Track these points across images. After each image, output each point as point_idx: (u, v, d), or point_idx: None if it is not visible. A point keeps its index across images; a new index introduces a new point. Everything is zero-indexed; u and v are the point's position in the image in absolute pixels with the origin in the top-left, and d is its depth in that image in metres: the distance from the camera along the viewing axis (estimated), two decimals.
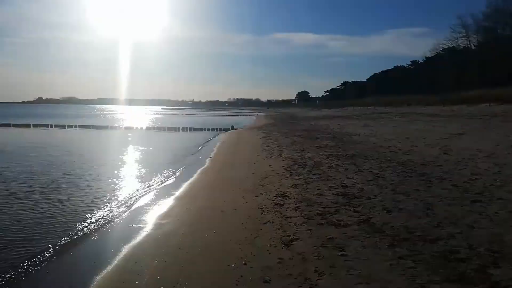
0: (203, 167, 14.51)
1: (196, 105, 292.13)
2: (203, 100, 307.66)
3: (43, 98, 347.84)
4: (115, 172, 13.87)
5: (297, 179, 10.16)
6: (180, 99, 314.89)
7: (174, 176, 13.03)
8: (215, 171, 13.35)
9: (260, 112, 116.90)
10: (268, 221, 6.78)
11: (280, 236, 5.94)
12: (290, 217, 6.87)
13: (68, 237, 6.95)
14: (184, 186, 11.08)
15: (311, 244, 5.49)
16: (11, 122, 43.59)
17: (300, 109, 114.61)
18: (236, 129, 37.69)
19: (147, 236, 6.81)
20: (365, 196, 8.11)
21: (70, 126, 41.31)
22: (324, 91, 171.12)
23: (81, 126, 41.53)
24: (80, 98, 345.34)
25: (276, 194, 8.62)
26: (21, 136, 29.75)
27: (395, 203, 7.53)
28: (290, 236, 5.88)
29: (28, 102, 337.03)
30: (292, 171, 11.36)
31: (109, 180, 12.24)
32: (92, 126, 42.19)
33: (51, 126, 41.35)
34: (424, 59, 77.65)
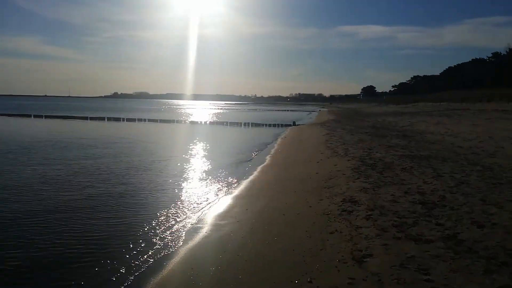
0: (264, 164, 14.09)
1: (258, 100, 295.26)
2: (265, 95, 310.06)
3: (118, 93, 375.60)
4: (175, 166, 14.00)
5: (366, 182, 9.27)
6: (243, 94, 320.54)
7: (234, 172, 12.76)
8: (276, 169, 12.84)
9: (323, 107, 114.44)
10: (336, 230, 6.09)
11: (350, 249, 5.23)
12: (361, 227, 6.11)
13: (120, 235, 6.86)
14: (244, 184, 10.72)
15: (387, 263, 4.73)
16: (88, 115, 47.19)
17: (365, 105, 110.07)
18: (297, 125, 36.92)
19: (206, 238, 6.49)
20: (448, 206, 7.05)
21: (140, 120, 43.48)
22: (392, 86, 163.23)
23: (150, 120, 43.53)
24: (151, 93, 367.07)
25: (344, 199, 7.86)
26: (96, 129, 31.83)
27: (487, 216, 6.42)
28: (362, 251, 5.15)
29: (106, 96, 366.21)
30: (360, 172, 10.46)
31: (169, 175, 12.31)
32: (160, 120, 44.04)
33: (123, 119, 43.89)
34: (508, 50, 70.07)
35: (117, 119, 44.22)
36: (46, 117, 46.08)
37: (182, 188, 10.42)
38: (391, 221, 6.37)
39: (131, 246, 6.26)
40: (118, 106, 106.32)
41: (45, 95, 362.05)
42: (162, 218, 7.75)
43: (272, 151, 18.05)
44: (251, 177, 11.60)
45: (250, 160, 15.70)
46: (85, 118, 44.97)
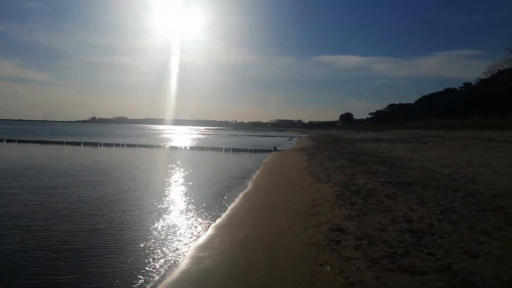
0: (246, 191, 13.72)
1: (239, 125, 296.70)
2: (245, 121, 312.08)
3: (97, 118, 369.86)
4: (152, 195, 13.39)
5: (351, 209, 9.02)
6: (223, 120, 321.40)
7: (215, 200, 12.30)
8: (259, 196, 12.48)
9: (302, 133, 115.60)
10: (325, 262, 5.75)
11: (342, 284, 4.89)
12: (351, 258, 5.80)
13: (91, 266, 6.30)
14: (226, 212, 10.29)
15: None
16: (64, 140, 45.78)
17: (343, 131, 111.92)
18: (278, 150, 36.85)
19: (185, 272, 6.01)
20: (437, 234, 6.85)
21: (118, 145, 42.45)
22: (369, 113, 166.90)
23: (128, 145, 42.56)
24: (130, 118, 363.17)
25: (330, 227, 7.56)
26: (72, 154, 30.75)
27: (478, 245, 6.23)
28: (355, 285, 4.81)
29: (84, 121, 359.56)
30: (344, 199, 10.23)
31: (145, 204, 11.71)
32: (138, 145, 43.13)
33: (100, 144, 42.75)
34: (478, 81, 73.17)
35: (94, 144, 43.05)
36: (19, 141, 44.40)
37: (160, 219, 9.84)
38: (382, 251, 6.09)
39: (104, 285, 5.71)
40: (96, 130, 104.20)
41: (20, 119, 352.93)
42: (138, 251, 7.21)
43: (254, 177, 17.72)
44: (232, 205, 11.19)
45: (232, 186, 15.29)
46: (61, 142, 43.55)
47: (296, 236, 7.28)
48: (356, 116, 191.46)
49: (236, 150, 39.21)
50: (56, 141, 44.83)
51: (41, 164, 20.79)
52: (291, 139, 71.87)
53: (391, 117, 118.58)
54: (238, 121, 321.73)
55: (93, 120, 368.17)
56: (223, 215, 9.88)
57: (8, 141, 44.30)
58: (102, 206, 11.07)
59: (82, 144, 42.46)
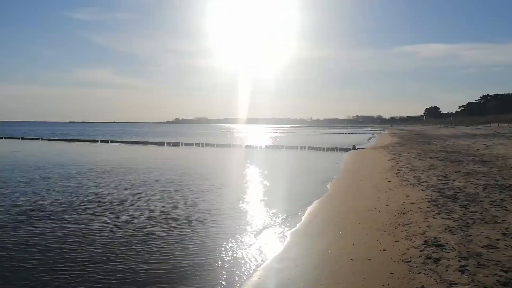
0: (324, 194, 12.89)
1: (315, 123, 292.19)
2: (321, 118, 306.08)
3: (179, 119, 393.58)
4: (228, 195, 13.22)
5: (450, 218, 7.77)
6: (298, 118, 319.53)
7: (292, 202, 11.69)
8: (339, 199, 11.59)
9: (383, 129, 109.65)
10: (422, 287, 4.81)
11: None
12: (455, 283, 4.78)
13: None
14: (304, 217, 9.62)
15: None
16: (149, 140, 49.10)
17: (429, 127, 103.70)
18: (358, 148, 34.99)
19: (258, 285, 5.52)
20: None
21: (197, 144, 44.16)
22: (458, 106, 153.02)
23: (207, 145, 44.03)
24: (210, 118, 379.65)
25: (425, 241, 6.49)
26: (155, 154, 32.63)
27: None
28: None
29: (168, 122, 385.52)
30: (439, 206, 8.93)
31: (220, 205, 11.53)
32: (216, 144, 44.38)
33: (182, 144, 44.90)
34: None
35: (176, 144, 45.35)
36: (112, 142, 48.65)
37: (234, 221, 9.55)
38: (495, 275, 4.96)
39: None
40: (179, 130, 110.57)
41: (115, 122, 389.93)
42: (209, 255, 6.92)
43: (333, 178, 16.74)
44: (311, 209, 10.47)
45: (309, 188, 14.55)
46: (147, 143, 46.75)
47: (384, 250, 6.36)
48: (444, 110, 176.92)
49: (313, 149, 38.17)
50: (143, 142, 48.33)
51: (129, 163, 22.21)
52: (371, 136, 68.46)
53: (485, 109, 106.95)
54: (313, 119, 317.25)
55: (176, 121, 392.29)
56: (301, 221, 9.22)
57: (102, 141, 49.01)
58: (179, 205, 11.16)
59: (166, 144, 45.03)
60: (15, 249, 7.28)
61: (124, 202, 11.57)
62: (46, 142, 48.65)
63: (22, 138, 54.56)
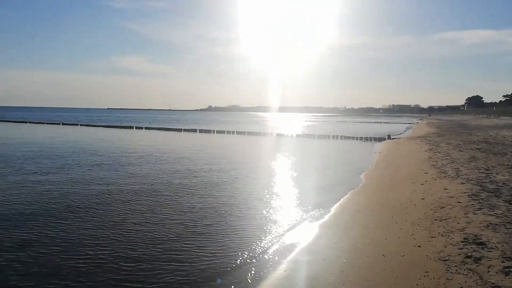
0: (357, 184, 12.47)
1: (348, 111, 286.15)
2: (356, 107, 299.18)
3: (212, 106, 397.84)
4: (256, 184, 13.05)
5: (492, 214, 7.23)
6: (331, 106, 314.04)
7: (322, 193, 11.39)
8: (371, 191, 11.15)
9: (420, 119, 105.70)
10: None
11: None
12: (498, 286, 4.38)
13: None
14: (334, 208, 9.31)
15: None
16: (182, 128, 49.88)
17: (470, 117, 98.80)
18: (393, 138, 33.82)
19: (284, 279, 5.34)
20: None
21: (229, 132, 44.38)
22: (503, 96, 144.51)
23: (238, 132, 44.14)
24: (242, 106, 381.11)
25: (465, 238, 6.05)
26: (187, 141, 33.07)
27: None
28: None
29: (201, 109, 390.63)
30: (480, 201, 8.35)
31: (248, 193, 11.40)
32: (247, 132, 44.39)
33: (214, 131, 45.28)
34: None
35: (208, 131, 45.78)
36: (146, 128, 49.83)
37: (261, 210, 9.37)
38: None
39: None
40: (211, 118, 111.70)
41: (150, 109, 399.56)
42: (234, 245, 6.80)
43: (366, 168, 16.21)
44: (341, 200, 10.13)
45: (341, 179, 14.15)
46: (179, 130, 47.51)
47: (419, 247, 5.98)
48: (487, 99, 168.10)
49: (345, 138, 37.32)
50: (175, 128, 49.19)
51: (162, 150, 22.59)
52: (407, 126, 66.11)
53: None
54: (347, 107, 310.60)
55: (209, 109, 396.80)
56: (331, 213, 8.93)
57: (137, 128, 50.36)
58: (206, 195, 11.15)
59: (198, 131, 45.59)
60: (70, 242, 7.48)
61: (154, 192, 11.69)
62: (85, 127, 50.54)
63: (63, 124, 57.02)
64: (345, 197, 10.57)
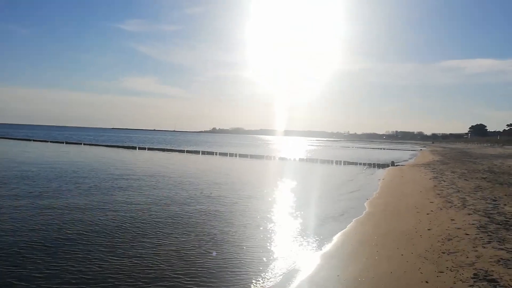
0: (360, 213, 12.12)
1: (351, 137, 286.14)
2: (359, 132, 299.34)
3: (216, 128, 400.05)
4: (255, 210, 12.70)
5: (503, 249, 6.89)
6: (335, 131, 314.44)
7: (324, 221, 11.04)
8: (375, 220, 10.80)
9: (424, 146, 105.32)
10: None
11: None
12: None
13: None
14: (336, 237, 8.97)
15: None
16: (185, 149, 49.79)
17: (474, 145, 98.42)
18: (397, 165, 33.49)
19: None
20: None
21: (231, 155, 44.20)
22: (507, 125, 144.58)
23: (241, 155, 43.96)
24: (246, 128, 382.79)
25: (475, 274, 5.72)
26: (188, 163, 32.86)
27: None
28: None
29: (205, 131, 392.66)
30: (490, 233, 8.02)
31: (245, 220, 11.05)
32: (250, 155, 44.20)
33: (216, 153, 45.13)
34: None
35: (210, 153, 45.64)
36: (149, 149, 49.77)
37: (259, 239, 9.02)
38: None
39: None
40: (215, 140, 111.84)
41: (155, 129, 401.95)
42: (230, 277, 6.47)
43: (370, 195, 15.87)
44: (344, 229, 9.78)
45: (343, 206, 13.81)
46: (182, 151, 47.41)
47: (427, 282, 5.65)
48: (490, 128, 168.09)
49: (349, 163, 37.02)
50: (179, 150, 49.10)
51: (163, 171, 22.37)
52: (411, 153, 65.72)
53: None
54: (350, 132, 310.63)
55: (213, 131, 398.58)
56: (333, 242, 8.59)
57: (140, 148, 50.26)
58: (202, 219, 10.86)
59: (201, 153, 45.45)
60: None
61: (150, 219, 11.40)
62: (88, 147, 50.57)
63: (66, 143, 57.13)
64: (348, 225, 10.22)
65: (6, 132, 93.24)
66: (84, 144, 55.26)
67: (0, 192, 13.46)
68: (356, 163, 36.62)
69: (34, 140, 59.71)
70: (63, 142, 57.51)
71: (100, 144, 57.13)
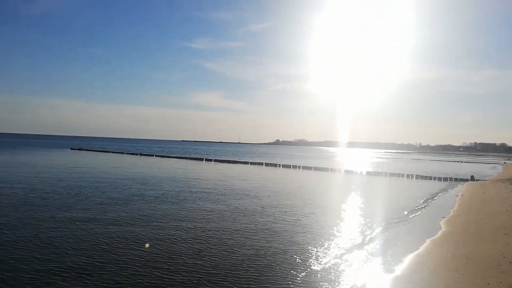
0: (435, 232, 11.09)
1: (424, 148, 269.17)
2: (432, 144, 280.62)
3: (280, 140, 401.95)
4: (320, 225, 12.23)
5: None
6: (405, 143, 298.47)
7: (395, 241, 10.26)
8: (454, 242, 9.78)
9: (508, 159, 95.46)
10: None
11: None
12: None
13: None
14: (409, 259, 8.23)
15: None
16: (249, 161, 50.45)
17: None
18: (477, 180, 30.57)
19: None
20: None
21: (294, 167, 43.81)
22: None
23: (304, 167, 43.37)
24: (309, 140, 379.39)
25: None
26: (253, 175, 33.12)
27: None
28: None
29: (269, 143, 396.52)
30: None
31: (308, 236, 10.66)
32: (314, 167, 43.41)
33: (279, 165, 45.05)
34: None
35: (274, 165, 45.66)
36: (215, 160, 51.28)
37: (325, 256, 8.61)
38: None
39: None
40: (278, 152, 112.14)
41: (220, 141, 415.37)
42: None
43: (447, 214, 14.54)
44: (418, 251, 8.97)
45: (416, 224, 12.79)
46: (246, 163, 48.07)
47: None
48: None
49: (421, 178, 34.60)
50: (243, 161, 49.87)
51: (229, 182, 22.77)
52: (493, 167, 59.87)
53: None
54: (422, 144, 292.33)
55: (277, 143, 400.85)
56: (404, 264, 7.89)
57: (206, 160, 52.06)
58: (266, 236, 10.69)
59: (264, 165, 45.68)
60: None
61: (225, 222, 11.53)
62: (160, 158, 53.49)
63: (140, 155, 61.05)
64: (422, 246, 9.36)
65: (95, 145, 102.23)
66: (156, 156, 58.55)
67: (148, 192, 14.75)
68: (429, 177, 34.11)
69: (112, 152, 64.75)
70: (137, 154, 61.54)
71: (170, 155, 60.13)
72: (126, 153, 63.01)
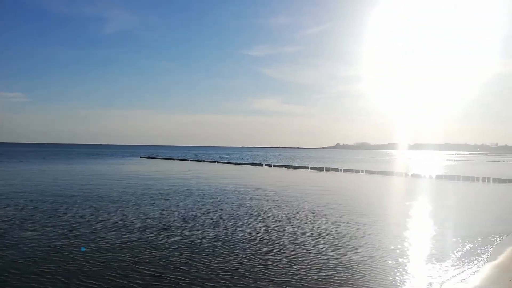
0: None
1: (502, 149, 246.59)
2: (510, 144, 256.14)
3: (340, 144, 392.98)
4: (387, 237, 11.71)
5: None
6: (479, 143, 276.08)
7: (469, 247, 9.56)
8: None
9: None
10: None
11: None
12: None
13: None
14: (485, 269, 7.64)
15: None
16: (309, 166, 49.97)
17: None
18: None
19: None
20: None
21: (357, 171, 42.57)
22: None
23: (367, 172, 41.94)
24: (372, 143, 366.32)
25: None
26: (317, 179, 32.80)
27: None
28: None
29: (328, 147, 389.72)
30: None
31: (379, 244, 10.30)
32: (377, 171, 41.81)
33: (341, 170, 44.06)
34: None
35: (335, 170, 44.77)
36: (275, 166, 51.60)
37: (395, 268, 8.26)
38: None
39: None
40: (339, 156, 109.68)
41: (279, 147, 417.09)
42: None
43: None
44: (496, 261, 8.28)
45: (493, 231, 11.80)
46: (306, 168, 47.70)
47: None
48: None
49: (500, 181, 31.74)
50: (302, 167, 49.53)
51: (292, 187, 22.84)
52: None
53: None
54: (499, 144, 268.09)
55: (337, 147, 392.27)
56: (481, 274, 7.34)
57: (266, 165, 52.66)
58: (327, 247, 10.56)
59: (324, 170, 44.96)
60: None
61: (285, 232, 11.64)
62: (221, 164, 55.09)
63: (203, 161, 63.37)
64: (501, 256, 8.62)
65: (159, 153, 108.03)
66: (218, 162, 60.36)
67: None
68: (509, 181, 31.19)
69: (177, 160, 68.00)
70: (201, 161, 63.94)
71: (231, 162, 61.63)
72: (191, 160, 65.82)
